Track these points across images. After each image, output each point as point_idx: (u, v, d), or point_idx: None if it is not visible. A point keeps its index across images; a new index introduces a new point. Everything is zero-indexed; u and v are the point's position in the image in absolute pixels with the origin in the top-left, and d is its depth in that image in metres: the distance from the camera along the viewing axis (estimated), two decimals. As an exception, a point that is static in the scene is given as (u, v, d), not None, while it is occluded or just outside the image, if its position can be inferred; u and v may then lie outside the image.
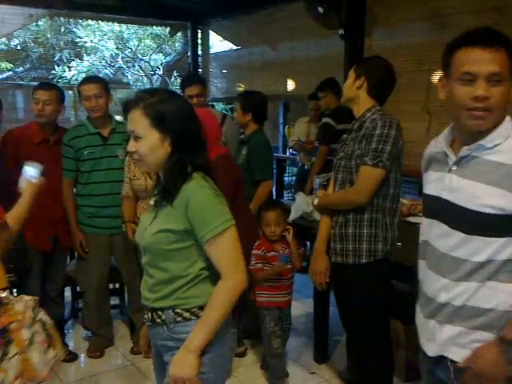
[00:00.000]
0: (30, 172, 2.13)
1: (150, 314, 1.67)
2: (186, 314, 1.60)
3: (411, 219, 2.99)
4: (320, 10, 4.59)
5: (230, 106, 8.80)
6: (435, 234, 1.49)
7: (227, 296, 1.56)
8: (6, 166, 2.95)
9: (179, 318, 1.60)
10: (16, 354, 1.72)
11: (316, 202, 2.56)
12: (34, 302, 1.86)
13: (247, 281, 1.59)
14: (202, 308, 1.59)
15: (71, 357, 3.30)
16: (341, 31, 4.66)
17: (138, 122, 1.54)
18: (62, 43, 9.52)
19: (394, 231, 2.36)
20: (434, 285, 1.48)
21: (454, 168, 1.44)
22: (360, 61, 2.52)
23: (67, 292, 3.67)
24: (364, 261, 2.33)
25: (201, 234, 1.55)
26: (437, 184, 1.50)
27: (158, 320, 1.64)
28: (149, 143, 1.55)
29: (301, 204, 3.29)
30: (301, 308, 3.99)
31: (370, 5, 4.62)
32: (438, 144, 1.54)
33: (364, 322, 2.42)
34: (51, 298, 3.24)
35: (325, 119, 4.42)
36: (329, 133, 4.30)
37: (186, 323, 1.60)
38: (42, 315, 1.87)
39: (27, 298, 1.86)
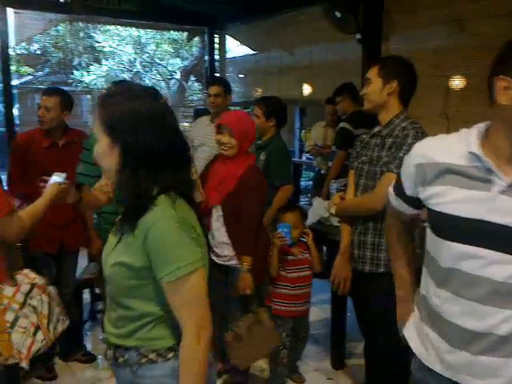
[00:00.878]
0: (56, 178, 2.22)
1: (112, 352, 1.44)
2: (152, 356, 1.38)
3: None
4: (337, 14, 4.59)
5: (246, 110, 8.81)
6: (481, 262, 1.30)
7: (196, 363, 1.31)
8: (14, 171, 3.00)
9: (144, 360, 1.38)
10: None
11: (333, 211, 2.52)
12: (30, 288, 1.97)
13: (211, 330, 1.35)
14: (171, 349, 1.38)
15: (89, 358, 3.33)
16: (358, 35, 4.66)
17: (95, 122, 1.35)
18: (80, 48, 9.65)
19: (414, 241, 2.33)
20: (487, 319, 1.31)
21: (507, 189, 1.26)
22: (382, 63, 2.31)
23: (86, 294, 3.70)
24: (381, 270, 2.30)
25: (158, 275, 1.30)
26: (475, 205, 1.29)
27: (121, 359, 1.41)
28: (100, 148, 1.36)
29: (318, 209, 3.28)
30: (317, 313, 3.98)
31: (388, 9, 4.62)
32: (457, 155, 1.33)
33: (382, 330, 2.37)
34: (65, 302, 3.24)
35: (342, 124, 4.41)
36: (346, 137, 4.28)
37: (151, 366, 1.38)
38: (36, 301, 1.96)
39: (27, 280, 1.99)
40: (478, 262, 1.30)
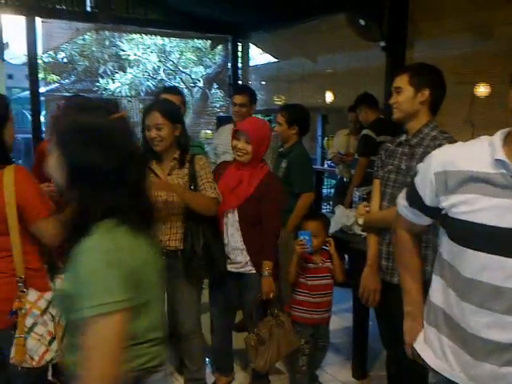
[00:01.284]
0: None
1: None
2: None
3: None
4: (361, 22, 4.58)
5: (267, 118, 8.84)
6: (507, 272, 1.27)
7: None
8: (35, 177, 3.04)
9: None
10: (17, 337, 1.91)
11: (361, 222, 2.47)
12: None
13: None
14: None
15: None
16: (382, 43, 4.64)
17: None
18: (106, 56, 9.80)
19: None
20: None
21: None
22: (412, 70, 2.24)
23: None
24: None
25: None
26: (502, 213, 1.26)
27: None
28: (51, 160, 1.27)
29: (340, 217, 3.26)
30: (338, 322, 3.94)
31: (413, 16, 4.59)
32: (481, 163, 1.31)
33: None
34: None
35: (365, 131, 4.39)
36: (369, 145, 4.26)
37: None
38: (56, 310, 1.95)
39: None
40: (503, 272, 1.27)
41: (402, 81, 2.22)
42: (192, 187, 2.56)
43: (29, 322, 1.93)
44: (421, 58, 4.46)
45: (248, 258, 2.72)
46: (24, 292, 1.94)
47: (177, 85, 10.06)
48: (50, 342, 1.94)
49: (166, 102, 2.65)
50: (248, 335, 2.72)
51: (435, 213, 1.45)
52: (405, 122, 2.28)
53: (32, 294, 1.95)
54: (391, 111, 2.31)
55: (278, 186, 2.78)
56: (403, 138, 2.32)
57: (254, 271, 2.71)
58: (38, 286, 1.99)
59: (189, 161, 2.60)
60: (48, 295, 1.97)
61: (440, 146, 2.13)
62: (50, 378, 2.10)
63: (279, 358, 2.78)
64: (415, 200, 1.50)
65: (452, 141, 2.15)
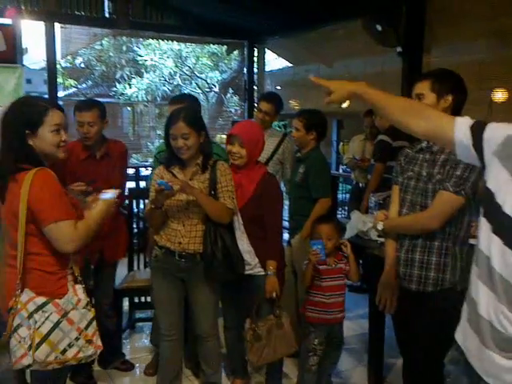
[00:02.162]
0: (108, 195, 2.19)
1: None
2: None
3: (471, 241, 2.90)
4: (378, 27, 4.58)
5: (282, 123, 8.85)
6: None
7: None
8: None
9: None
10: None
11: (380, 227, 2.46)
12: (46, 301, 1.95)
13: None
14: None
15: (128, 366, 3.38)
16: (399, 48, 4.64)
17: None
18: (123, 61, 9.91)
19: (463, 260, 2.24)
20: None
21: None
22: (434, 77, 2.22)
23: (125, 301, 3.77)
24: (430, 289, 2.24)
25: None
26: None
27: None
28: None
29: (356, 222, 3.25)
30: (353, 328, 3.94)
31: (430, 22, 4.58)
32: None
33: (423, 351, 2.31)
34: (104, 312, 3.27)
35: (381, 136, 4.38)
36: (385, 150, 4.25)
37: None
38: (40, 316, 1.93)
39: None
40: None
41: (423, 87, 2.20)
42: (212, 192, 2.59)
43: (16, 321, 1.93)
44: (437, 64, 4.45)
45: (257, 259, 2.75)
46: (20, 291, 1.95)
47: (193, 90, 10.14)
48: (30, 347, 1.91)
49: (189, 111, 2.66)
50: (247, 330, 2.76)
51: (479, 153, 1.38)
52: None
53: (25, 295, 1.95)
54: None
55: (275, 185, 2.85)
56: (424, 144, 2.31)
57: (263, 273, 2.75)
58: (43, 289, 1.98)
59: (211, 166, 2.63)
60: (39, 300, 1.95)
61: None
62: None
63: (274, 358, 2.80)
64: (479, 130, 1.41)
65: None
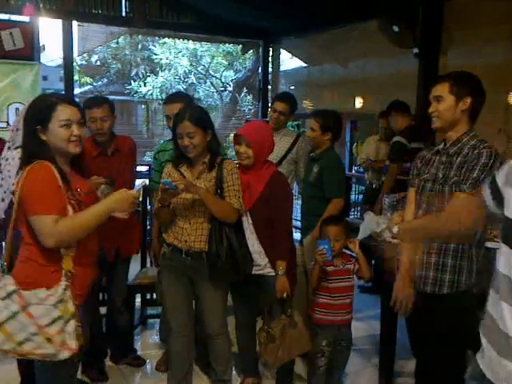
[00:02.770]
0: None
1: None
2: None
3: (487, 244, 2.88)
4: (395, 28, 4.57)
5: (295, 123, 8.85)
6: None
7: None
8: None
9: None
10: None
11: (395, 230, 2.46)
12: (11, 292, 1.96)
13: None
14: None
15: (139, 362, 3.41)
16: (415, 50, 4.62)
17: None
18: (138, 59, 9.97)
19: (479, 263, 2.23)
20: None
21: None
22: (453, 79, 2.21)
23: (137, 298, 3.79)
24: (445, 291, 2.23)
25: None
26: None
27: None
28: None
29: (370, 223, 3.23)
30: (363, 329, 3.93)
31: (448, 24, 4.56)
32: None
33: (437, 354, 2.30)
34: (117, 308, 3.31)
35: (396, 137, 4.37)
36: (400, 151, 4.24)
37: None
38: (3, 305, 1.94)
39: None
40: None
41: (442, 89, 2.20)
42: (218, 191, 2.60)
43: None
44: (454, 66, 4.42)
45: (266, 260, 2.74)
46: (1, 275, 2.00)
47: (207, 89, 10.17)
48: None
49: (195, 110, 2.68)
50: (260, 331, 2.76)
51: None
52: (444, 131, 2.26)
53: (4, 280, 1.98)
54: (429, 119, 2.28)
55: (284, 184, 2.84)
56: (440, 146, 2.30)
57: (274, 273, 2.74)
58: (31, 279, 1.99)
59: (218, 165, 2.64)
60: (10, 288, 1.96)
61: (479, 155, 2.12)
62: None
63: (289, 357, 2.80)
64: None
65: (494, 150, 2.14)
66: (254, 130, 2.82)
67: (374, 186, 5.05)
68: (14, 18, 5.79)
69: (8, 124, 5.56)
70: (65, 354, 1.97)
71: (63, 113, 2.02)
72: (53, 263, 2.01)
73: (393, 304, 2.41)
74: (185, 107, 2.70)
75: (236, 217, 2.62)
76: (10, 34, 5.63)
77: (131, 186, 2.92)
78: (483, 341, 1.51)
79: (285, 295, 2.71)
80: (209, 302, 2.73)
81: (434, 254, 2.26)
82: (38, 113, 2.04)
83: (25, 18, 5.76)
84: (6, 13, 5.74)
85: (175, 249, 2.66)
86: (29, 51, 5.74)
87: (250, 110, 8.22)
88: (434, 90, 2.23)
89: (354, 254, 2.88)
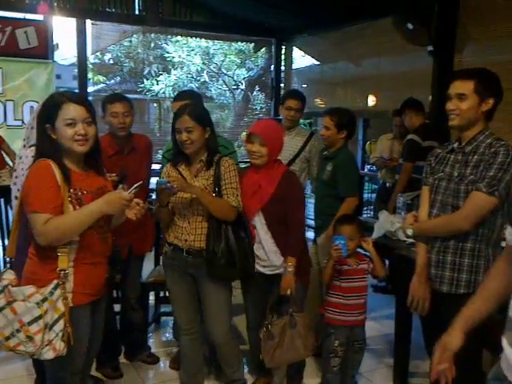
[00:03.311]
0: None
1: None
2: None
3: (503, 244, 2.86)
4: (409, 26, 4.53)
5: (308, 121, 8.82)
6: None
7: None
8: None
9: None
10: None
11: (410, 232, 2.44)
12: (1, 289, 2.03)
13: None
14: None
15: (153, 359, 3.42)
16: (430, 47, 4.58)
17: None
18: (151, 58, 9.97)
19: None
20: None
21: None
22: (478, 78, 2.16)
23: (151, 296, 3.81)
24: (462, 291, 2.22)
25: None
26: None
27: None
28: None
29: (384, 222, 3.22)
30: (377, 328, 3.91)
31: (463, 21, 4.51)
32: None
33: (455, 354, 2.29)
34: (131, 305, 3.33)
35: (410, 136, 4.34)
36: (414, 150, 4.21)
37: None
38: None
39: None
40: None
41: (466, 87, 2.16)
42: (216, 189, 2.59)
43: None
44: (469, 64, 4.38)
45: (282, 259, 2.73)
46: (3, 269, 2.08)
47: (219, 87, 10.17)
48: None
49: (195, 106, 2.69)
50: (261, 327, 2.74)
51: None
52: (461, 130, 2.24)
53: (4, 275, 2.06)
54: (444, 118, 2.27)
55: (296, 183, 2.83)
56: (455, 144, 2.28)
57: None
58: (31, 275, 2.04)
59: (216, 163, 2.63)
60: (4, 282, 2.02)
61: (496, 153, 2.10)
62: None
63: (285, 361, 2.77)
64: None
65: (508, 148, 2.12)
66: (269, 127, 2.80)
67: (387, 184, 5.02)
68: (29, 16, 5.84)
69: (23, 122, 5.62)
70: (50, 355, 1.97)
71: (68, 112, 2.03)
72: (50, 261, 2.03)
73: (409, 303, 2.40)
74: (186, 104, 2.71)
75: (234, 215, 2.60)
76: (25, 32, 5.69)
77: (146, 185, 2.94)
78: (504, 343, 1.49)
79: (288, 292, 2.66)
80: (212, 307, 2.70)
81: (450, 254, 2.24)
82: (47, 111, 2.07)
83: (39, 17, 5.81)
84: (20, 11, 5.79)
85: (176, 248, 2.67)
86: (43, 50, 5.79)
87: (262, 108, 8.20)
88: (457, 87, 2.19)
89: (367, 254, 2.87)
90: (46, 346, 1.95)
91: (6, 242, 3.71)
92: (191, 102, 2.81)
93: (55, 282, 1.99)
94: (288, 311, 2.71)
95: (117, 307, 3.38)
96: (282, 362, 2.81)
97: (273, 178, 2.72)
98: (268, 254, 2.72)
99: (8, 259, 2.33)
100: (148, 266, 3.67)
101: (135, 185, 2.12)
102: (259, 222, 2.72)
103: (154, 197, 3.72)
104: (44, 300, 1.96)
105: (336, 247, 2.71)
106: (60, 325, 1.98)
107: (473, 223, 2.14)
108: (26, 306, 1.96)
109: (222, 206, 2.57)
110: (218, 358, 2.89)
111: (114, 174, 2.69)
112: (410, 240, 2.69)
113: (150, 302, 3.78)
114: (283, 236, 2.71)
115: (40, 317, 1.95)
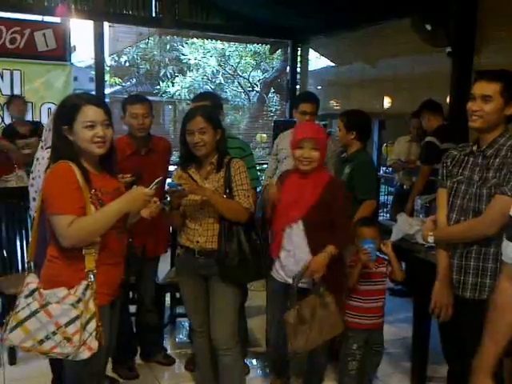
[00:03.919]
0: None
1: None
2: None
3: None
4: (427, 27, 4.49)
5: (323, 123, 8.78)
6: None
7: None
8: None
9: None
10: None
11: (431, 240, 2.38)
12: (32, 290, 2.02)
13: None
14: None
15: (169, 361, 3.42)
16: (448, 49, 4.54)
17: None
18: (167, 60, 10.04)
19: None
20: None
21: None
22: (505, 80, 2.11)
23: (167, 297, 3.81)
24: (485, 296, 2.16)
25: None
26: None
27: None
28: None
29: (403, 225, 3.19)
30: (395, 332, 3.86)
31: (482, 22, 4.46)
32: None
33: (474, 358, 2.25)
34: (145, 306, 3.33)
35: (428, 138, 4.29)
36: (432, 152, 4.16)
37: None
38: (24, 303, 2.00)
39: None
40: None
41: (492, 89, 2.10)
42: (227, 191, 2.56)
43: (17, 302, 2.01)
44: (488, 65, 4.34)
45: None
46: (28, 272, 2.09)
47: (235, 88, 10.20)
48: (6, 329, 1.98)
49: (207, 108, 2.67)
50: (288, 312, 2.59)
51: None
52: (482, 132, 2.19)
53: (29, 278, 2.05)
54: (462, 120, 2.23)
55: (342, 190, 2.73)
56: (474, 147, 2.24)
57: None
58: (55, 278, 2.03)
59: (226, 164, 2.60)
60: (32, 286, 2.01)
61: None
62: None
63: (321, 340, 2.64)
64: None
65: None
66: (319, 131, 2.73)
67: (404, 187, 4.97)
68: (47, 19, 5.90)
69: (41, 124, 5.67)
70: (85, 354, 1.98)
71: (87, 114, 2.03)
72: (75, 262, 2.03)
73: (432, 309, 2.36)
74: (197, 106, 2.69)
75: (246, 216, 2.56)
76: (43, 34, 5.75)
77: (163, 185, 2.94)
78: None
79: (315, 277, 2.55)
80: (216, 307, 2.64)
81: (472, 259, 2.20)
82: (65, 113, 2.07)
83: (57, 20, 5.87)
84: (39, 14, 5.85)
85: (188, 250, 2.65)
86: (61, 52, 5.85)
87: (277, 110, 8.20)
88: (482, 88, 2.14)
89: (385, 257, 2.84)
90: (82, 346, 1.96)
91: (18, 242, 3.73)
92: (202, 105, 2.80)
93: (85, 282, 2.00)
94: (318, 292, 2.59)
95: (133, 308, 3.39)
96: (319, 342, 2.66)
97: (318, 184, 2.65)
98: (295, 263, 2.65)
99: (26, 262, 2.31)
100: (164, 268, 3.67)
101: (156, 180, 2.12)
102: (297, 229, 2.65)
103: (168, 199, 3.75)
104: (78, 301, 1.97)
105: (365, 251, 2.68)
106: (92, 324, 1.98)
107: (497, 228, 2.08)
108: (61, 308, 1.97)
109: (234, 207, 2.54)
110: (218, 371, 2.74)
111: (128, 175, 2.69)
112: (430, 243, 2.65)
113: (166, 303, 3.78)
114: (321, 247, 2.60)
115: (77, 317, 1.96)
